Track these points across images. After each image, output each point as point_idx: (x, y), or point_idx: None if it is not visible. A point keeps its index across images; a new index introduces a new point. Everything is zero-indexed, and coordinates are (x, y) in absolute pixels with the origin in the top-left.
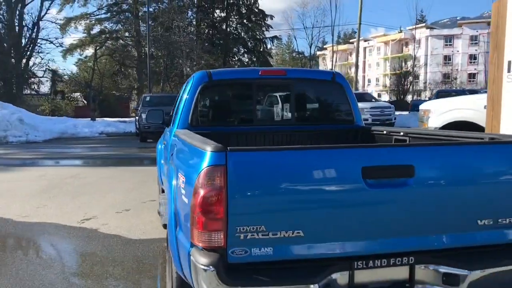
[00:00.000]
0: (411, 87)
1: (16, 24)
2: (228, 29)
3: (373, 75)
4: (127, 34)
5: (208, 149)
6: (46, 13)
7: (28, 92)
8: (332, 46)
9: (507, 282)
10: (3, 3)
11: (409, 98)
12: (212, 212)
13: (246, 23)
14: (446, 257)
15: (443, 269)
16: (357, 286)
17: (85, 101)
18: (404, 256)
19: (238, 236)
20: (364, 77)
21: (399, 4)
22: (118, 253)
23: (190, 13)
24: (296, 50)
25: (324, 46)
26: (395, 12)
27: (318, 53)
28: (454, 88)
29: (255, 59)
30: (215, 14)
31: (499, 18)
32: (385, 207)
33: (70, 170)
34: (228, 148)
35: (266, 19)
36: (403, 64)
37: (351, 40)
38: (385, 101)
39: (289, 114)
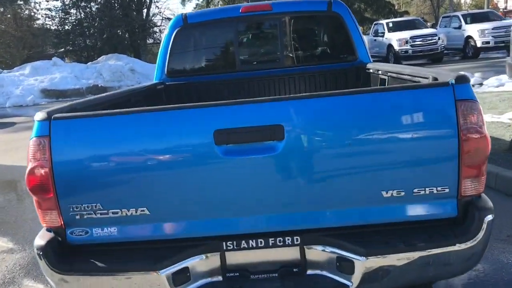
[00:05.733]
0: None
1: None
2: None
3: None
4: None
5: (36, 117)
6: None
7: (151, 41)
8: None
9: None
10: None
11: None
12: (42, 188)
13: None
14: (340, 237)
15: (337, 251)
16: (232, 270)
17: None
18: (288, 235)
19: (73, 215)
20: None
21: None
22: None
23: None
24: None
25: None
26: None
27: None
28: None
29: None
30: None
31: None
32: (248, 179)
33: None
34: (52, 116)
35: None
36: None
37: None
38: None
39: (278, 56)
